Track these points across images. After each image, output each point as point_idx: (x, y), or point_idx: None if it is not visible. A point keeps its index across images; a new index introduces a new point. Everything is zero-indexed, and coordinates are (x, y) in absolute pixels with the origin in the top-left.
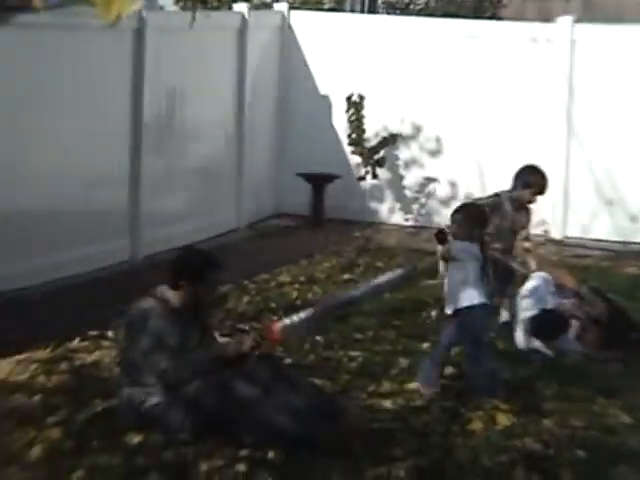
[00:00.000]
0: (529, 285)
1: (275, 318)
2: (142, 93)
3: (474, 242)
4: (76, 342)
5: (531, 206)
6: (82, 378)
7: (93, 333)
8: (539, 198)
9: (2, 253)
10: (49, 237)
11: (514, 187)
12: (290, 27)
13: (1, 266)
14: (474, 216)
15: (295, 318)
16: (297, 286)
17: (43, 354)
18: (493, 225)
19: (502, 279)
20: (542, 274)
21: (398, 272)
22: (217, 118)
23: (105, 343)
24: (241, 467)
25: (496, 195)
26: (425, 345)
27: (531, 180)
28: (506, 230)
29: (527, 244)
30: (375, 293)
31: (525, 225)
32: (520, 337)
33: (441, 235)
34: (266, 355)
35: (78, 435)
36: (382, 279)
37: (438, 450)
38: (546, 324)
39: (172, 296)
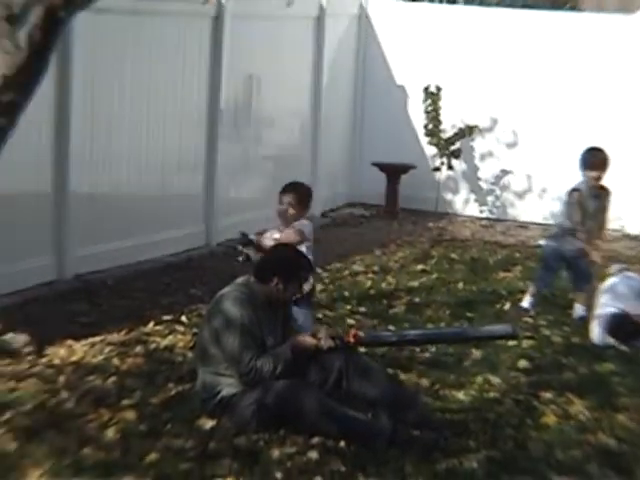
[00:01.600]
0: (609, 281)
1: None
2: (219, 80)
3: None
4: (150, 326)
5: (610, 192)
6: (156, 361)
7: (167, 317)
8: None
9: (79, 236)
10: (125, 222)
11: (582, 174)
12: (368, 16)
13: (77, 249)
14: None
15: (377, 334)
16: (371, 275)
17: (117, 337)
18: (578, 217)
19: (578, 274)
20: (626, 272)
21: (497, 329)
22: (293, 106)
23: (179, 328)
24: (313, 455)
25: (574, 190)
26: None
27: (590, 159)
28: (590, 221)
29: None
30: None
31: (605, 210)
32: (596, 332)
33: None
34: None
35: (152, 418)
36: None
37: (511, 443)
38: (622, 328)
39: (260, 289)
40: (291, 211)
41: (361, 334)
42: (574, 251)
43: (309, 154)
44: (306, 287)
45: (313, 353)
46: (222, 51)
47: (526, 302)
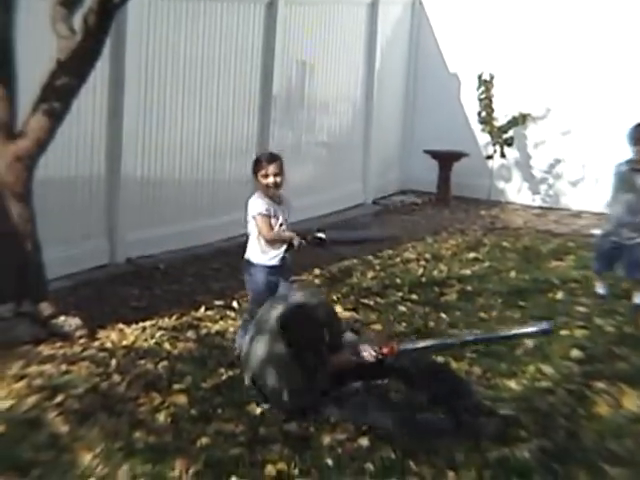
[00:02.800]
0: None
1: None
2: (272, 65)
3: None
4: (201, 311)
5: None
6: (207, 346)
7: (218, 303)
8: None
9: (131, 220)
10: (177, 206)
11: (631, 149)
12: (421, 3)
13: (130, 233)
14: None
15: (414, 345)
16: (422, 263)
17: (169, 321)
18: (624, 199)
19: (632, 262)
20: None
21: (533, 329)
22: (345, 92)
23: (230, 313)
24: (364, 442)
25: (620, 165)
26: None
27: (636, 135)
28: (635, 195)
29: None
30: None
31: None
32: None
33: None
34: None
35: (203, 402)
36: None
37: (563, 432)
38: None
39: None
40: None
41: (398, 347)
42: (628, 239)
43: (361, 141)
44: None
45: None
46: (275, 37)
47: (600, 289)
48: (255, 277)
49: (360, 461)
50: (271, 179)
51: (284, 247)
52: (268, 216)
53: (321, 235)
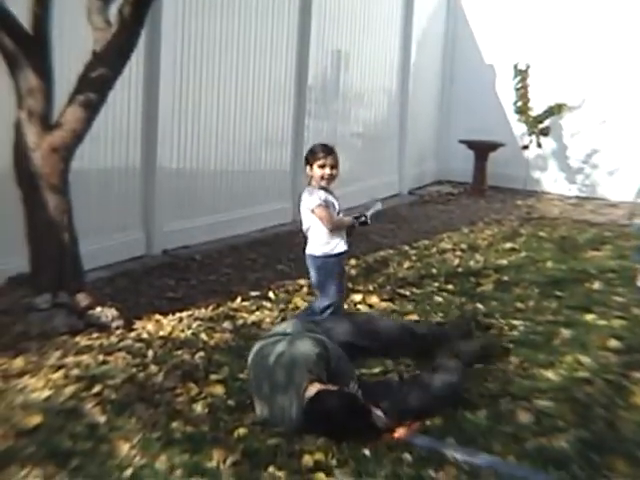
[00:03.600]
0: None
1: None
2: (307, 55)
3: None
4: (238, 301)
5: None
6: (243, 337)
7: (254, 293)
8: None
9: (167, 212)
10: (213, 197)
11: None
12: None
13: (165, 224)
14: None
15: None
16: (459, 253)
17: (205, 312)
18: None
19: None
20: None
21: None
22: (381, 83)
23: (266, 304)
24: (401, 430)
25: None
26: (589, 317)
27: None
28: None
29: None
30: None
31: None
32: None
33: None
34: None
35: (240, 393)
36: None
37: (600, 423)
38: None
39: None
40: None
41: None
42: None
43: (397, 131)
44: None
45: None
46: (310, 26)
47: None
48: (324, 269)
49: (398, 451)
50: (327, 170)
51: (344, 233)
52: (327, 206)
53: (365, 217)
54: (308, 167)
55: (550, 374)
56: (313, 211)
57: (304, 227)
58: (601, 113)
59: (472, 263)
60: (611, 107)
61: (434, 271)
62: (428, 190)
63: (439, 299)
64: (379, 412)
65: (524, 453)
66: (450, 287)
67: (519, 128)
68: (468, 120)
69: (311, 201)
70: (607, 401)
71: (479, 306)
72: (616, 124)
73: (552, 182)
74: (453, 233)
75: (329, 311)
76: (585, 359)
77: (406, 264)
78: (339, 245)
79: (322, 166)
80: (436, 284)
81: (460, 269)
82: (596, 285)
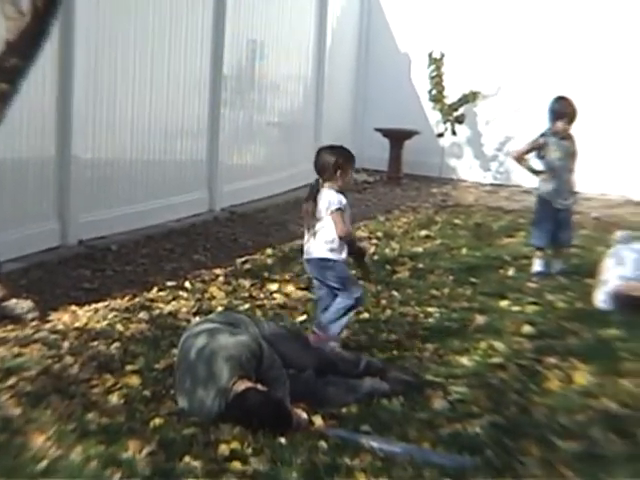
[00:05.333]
0: (614, 248)
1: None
2: (223, 46)
3: None
4: (154, 292)
5: (574, 137)
6: (159, 327)
7: (171, 283)
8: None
9: (83, 202)
10: (129, 187)
11: (550, 122)
12: None
13: (81, 215)
14: None
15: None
16: (375, 241)
17: (121, 303)
18: (545, 163)
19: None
20: (631, 239)
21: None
22: (297, 72)
23: (182, 293)
24: (317, 420)
25: (541, 135)
26: (503, 303)
27: (558, 109)
28: (559, 166)
29: None
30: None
31: (574, 154)
32: (600, 298)
33: None
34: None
35: (156, 383)
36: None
37: (514, 408)
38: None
39: None
40: None
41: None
42: (563, 205)
43: (312, 120)
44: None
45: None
46: (225, 16)
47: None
48: (338, 271)
49: (314, 439)
50: (353, 176)
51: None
52: (343, 211)
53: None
54: (340, 171)
55: (465, 360)
56: (332, 212)
57: (316, 227)
58: (515, 101)
59: (388, 251)
60: (525, 95)
61: (350, 260)
62: None
63: None
64: (304, 415)
65: (439, 439)
66: None
67: (434, 116)
68: (384, 108)
69: (334, 202)
70: (520, 386)
71: (395, 294)
72: (530, 111)
73: (467, 169)
74: (369, 221)
75: (358, 304)
76: (499, 345)
77: None
78: (344, 252)
79: (352, 172)
80: (352, 272)
81: (376, 257)
82: (510, 272)
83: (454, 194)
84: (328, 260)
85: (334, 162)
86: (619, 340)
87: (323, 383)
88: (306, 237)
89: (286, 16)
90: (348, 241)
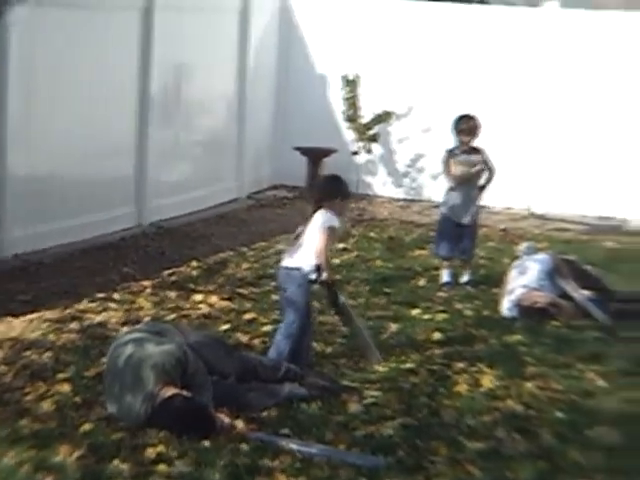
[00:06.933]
0: (519, 259)
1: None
2: (149, 68)
3: None
4: (85, 303)
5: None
6: (90, 337)
7: (101, 295)
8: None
9: (16, 217)
10: (62, 202)
11: (455, 138)
12: (290, 8)
13: (15, 230)
14: None
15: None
16: None
17: (53, 314)
18: (452, 179)
19: (465, 241)
20: (534, 250)
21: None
22: (220, 93)
23: (112, 305)
24: (239, 424)
25: (447, 151)
26: (415, 311)
27: (459, 125)
28: (467, 178)
29: None
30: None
31: (480, 166)
32: (505, 306)
33: None
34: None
35: (86, 390)
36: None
37: (425, 410)
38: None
39: None
40: None
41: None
42: (466, 219)
43: (235, 139)
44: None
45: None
46: (152, 41)
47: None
48: (304, 288)
49: (236, 442)
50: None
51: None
52: (332, 235)
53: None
54: (339, 199)
55: (379, 366)
56: (324, 229)
57: (300, 240)
58: (426, 120)
59: None
60: (435, 114)
61: (271, 271)
62: (265, 194)
63: (276, 297)
64: (226, 419)
65: (354, 441)
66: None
67: (350, 135)
68: (302, 127)
69: (328, 220)
70: (431, 390)
71: (314, 303)
72: (440, 130)
73: (381, 185)
74: (289, 235)
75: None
76: (411, 351)
77: (245, 265)
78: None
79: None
80: (273, 283)
81: None
82: (421, 282)
83: (369, 209)
84: (302, 271)
85: (339, 190)
86: (523, 345)
87: (245, 388)
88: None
89: (210, 38)
90: (318, 262)
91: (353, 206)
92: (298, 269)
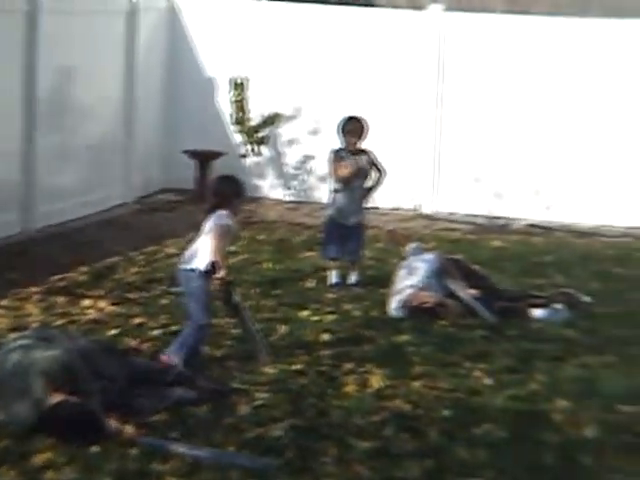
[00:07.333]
0: (407, 259)
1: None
2: (35, 72)
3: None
4: None
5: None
6: None
7: None
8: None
9: None
10: None
11: (340, 140)
12: (178, 10)
13: None
14: None
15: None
16: None
17: None
18: (339, 179)
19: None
20: (422, 250)
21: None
22: (108, 97)
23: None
24: (129, 428)
25: (333, 152)
26: (304, 313)
27: (346, 127)
28: (354, 180)
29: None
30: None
31: (365, 170)
32: (393, 306)
33: None
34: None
35: None
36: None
37: (314, 411)
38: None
39: None
40: None
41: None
42: (352, 221)
43: (124, 142)
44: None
45: None
46: (37, 44)
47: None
48: (203, 286)
49: (125, 447)
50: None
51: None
52: (228, 232)
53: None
54: (235, 199)
55: (268, 368)
56: (218, 227)
57: (197, 241)
58: (314, 122)
59: None
60: (324, 116)
61: (160, 275)
62: (155, 198)
63: (165, 301)
64: (116, 424)
65: (244, 443)
66: (175, 290)
67: (239, 137)
68: (192, 130)
69: (222, 219)
70: (320, 391)
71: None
72: (328, 132)
73: (270, 188)
74: (178, 239)
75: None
76: (300, 353)
77: (134, 269)
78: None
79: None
80: (162, 287)
81: None
82: (310, 283)
83: (259, 211)
84: (199, 272)
85: (234, 189)
86: (410, 345)
87: (134, 393)
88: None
89: (97, 41)
90: (213, 263)
91: (242, 209)
92: (194, 270)
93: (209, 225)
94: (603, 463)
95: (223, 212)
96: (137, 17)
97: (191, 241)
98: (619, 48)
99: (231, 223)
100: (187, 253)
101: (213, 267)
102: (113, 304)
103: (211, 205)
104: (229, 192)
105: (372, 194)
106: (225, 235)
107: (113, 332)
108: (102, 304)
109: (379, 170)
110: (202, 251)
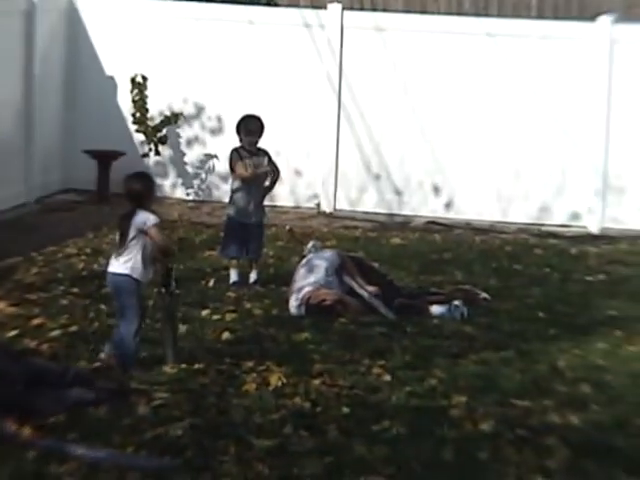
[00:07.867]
0: (306, 257)
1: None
2: None
3: None
4: None
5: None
6: None
7: None
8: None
9: None
10: None
11: (239, 139)
12: (77, 9)
13: None
14: None
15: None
16: (83, 257)
17: None
18: (238, 180)
19: (252, 242)
20: (320, 248)
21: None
22: (6, 97)
23: None
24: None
25: (233, 151)
26: (204, 312)
27: (246, 126)
28: (254, 179)
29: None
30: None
31: (267, 167)
32: (293, 304)
33: None
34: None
35: None
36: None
37: (213, 410)
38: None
39: None
40: None
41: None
42: (253, 220)
43: (23, 142)
44: None
45: None
46: None
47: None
48: (136, 294)
49: (22, 450)
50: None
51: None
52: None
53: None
54: (152, 195)
55: (168, 368)
56: (150, 228)
57: (125, 243)
58: (215, 121)
59: (96, 266)
60: (225, 115)
61: (60, 275)
62: (55, 199)
63: (65, 302)
64: (12, 427)
65: (142, 443)
66: (75, 290)
67: (139, 137)
68: (93, 130)
69: (151, 218)
70: (220, 390)
71: (102, 307)
72: (229, 131)
73: (171, 187)
74: (78, 239)
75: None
76: (200, 351)
77: (33, 270)
78: (147, 274)
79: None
80: (62, 287)
81: (85, 272)
82: (211, 282)
83: (160, 211)
84: (133, 279)
85: (152, 187)
86: (310, 343)
87: (31, 394)
88: (113, 255)
89: None
90: (165, 252)
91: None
92: (127, 276)
93: (140, 226)
94: (499, 457)
95: (147, 210)
96: (35, 17)
97: (120, 242)
98: (517, 49)
99: (157, 218)
100: (117, 255)
101: (166, 254)
102: (12, 305)
103: (134, 204)
104: (150, 190)
105: (269, 193)
106: (160, 231)
107: (12, 333)
108: (1, 305)
109: (274, 170)
110: (134, 254)
